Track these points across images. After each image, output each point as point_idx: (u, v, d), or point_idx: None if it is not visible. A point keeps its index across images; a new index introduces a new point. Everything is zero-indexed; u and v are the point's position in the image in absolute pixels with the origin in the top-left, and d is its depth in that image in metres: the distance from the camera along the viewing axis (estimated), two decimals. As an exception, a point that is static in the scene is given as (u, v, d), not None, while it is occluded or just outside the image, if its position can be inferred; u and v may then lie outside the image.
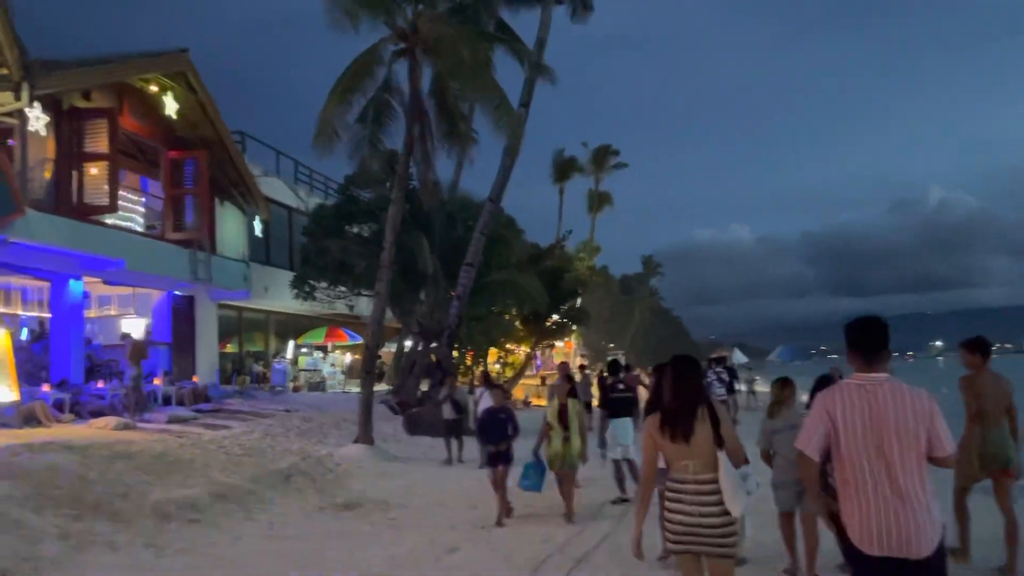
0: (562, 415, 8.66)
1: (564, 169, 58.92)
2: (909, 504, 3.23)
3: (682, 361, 4.29)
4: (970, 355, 6.36)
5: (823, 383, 7.22)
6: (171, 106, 18.19)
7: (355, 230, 21.00)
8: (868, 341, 3.45)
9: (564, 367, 11.08)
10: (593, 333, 74.62)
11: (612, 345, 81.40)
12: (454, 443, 14.10)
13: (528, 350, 36.83)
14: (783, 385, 6.38)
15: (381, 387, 24.15)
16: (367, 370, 15.39)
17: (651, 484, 4.23)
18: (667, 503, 4.10)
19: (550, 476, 8.79)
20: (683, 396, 4.11)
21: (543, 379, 30.13)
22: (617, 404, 10.04)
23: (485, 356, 34.34)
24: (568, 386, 9.00)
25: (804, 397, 7.39)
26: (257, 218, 22.22)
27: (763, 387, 42.03)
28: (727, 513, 3.93)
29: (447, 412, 14.40)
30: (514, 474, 8.99)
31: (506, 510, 8.92)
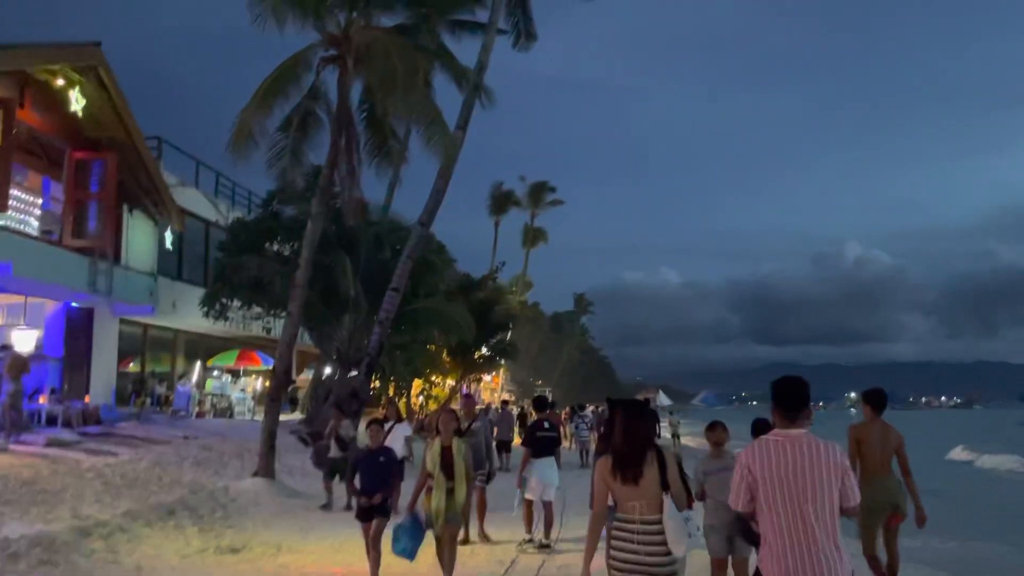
0: (446, 460, 6.86)
1: (501, 202, 58.71)
2: (824, 553, 3.43)
3: (634, 407, 4.47)
4: (865, 406, 6.90)
5: (761, 425, 6.73)
6: (78, 102, 16.83)
7: (275, 248, 19.82)
8: (792, 399, 3.68)
9: (468, 401, 9.91)
10: (521, 369, 74.02)
11: (540, 382, 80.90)
12: (338, 485, 12.54)
13: (454, 383, 35.79)
14: (715, 427, 6.39)
15: (295, 416, 22.84)
16: (272, 397, 14.27)
17: (601, 523, 4.31)
18: (614, 542, 4.22)
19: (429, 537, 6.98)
20: (634, 440, 4.28)
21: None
22: (542, 444, 9.57)
23: (409, 387, 33.19)
24: (455, 423, 7.24)
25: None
26: (169, 230, 20.83)
27: (686, 430, 42.03)
28: (670, 552, 4.12)
29: (333, 450, 12.95)
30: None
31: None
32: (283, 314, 21.21)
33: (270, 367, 26.47)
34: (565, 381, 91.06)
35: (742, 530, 5.50)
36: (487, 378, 50.80)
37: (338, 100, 13.85)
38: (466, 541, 9.09)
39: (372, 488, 7.16)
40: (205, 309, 19.61)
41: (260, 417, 22.85)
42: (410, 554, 6.80)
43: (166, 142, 22.46)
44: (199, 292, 21.32)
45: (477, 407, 35.72)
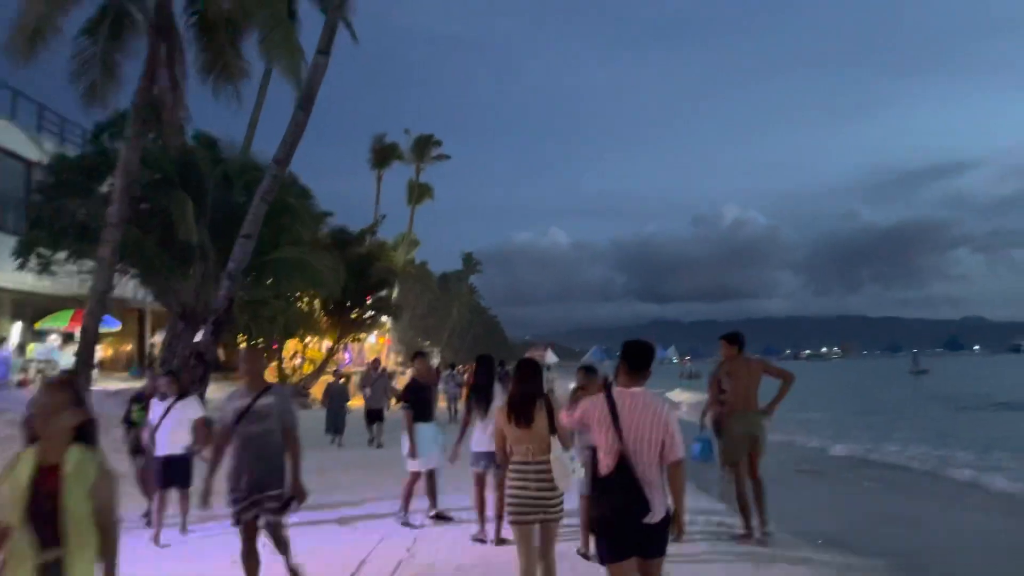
0: (39, 499, 2.84)
1: (384, 155, 55.89)
2: (649, 493, 3.91)
3: (526, 364, 5.07)
4: (729, 346, 7.36)
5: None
6: None
7: (105, 189, 17.02)
8: (638, 360, 4.16)
9: (252, 357, 5.43)
10: (409, 329, 72.14)
11: (428, 342, 79.33)
12: None
13: (332, 343, 33.45)
14: (589, 372, 6.80)
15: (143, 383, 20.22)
16: (84, 361, 11.89)
17: (506, 465, 4.88)
18: (510, 482, 4.76)
19: None
20: (527, 390, 4.87)
21: (347, 377, 26.86)
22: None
23: (279, 349, 30.73)
24: (71, 412, 2.98)
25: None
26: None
27: (563, 390, 41.52)
28: (557, 487, 4.71)
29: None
30: None
31: None
32: (126, 268, 18.65)
33: (114, 329, 23.61)
34: (455, 341, 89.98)
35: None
36: (372, 339, 48.62)
37: (157, -3, 11.42)
38: None
39: None
40: (20, 260, 16.65)
41: (102, 385, 20.21)
42: None
43: (-30, 66, 19.04)
44: (20, 243, 18.22)
45: (346, 371, 32.66)
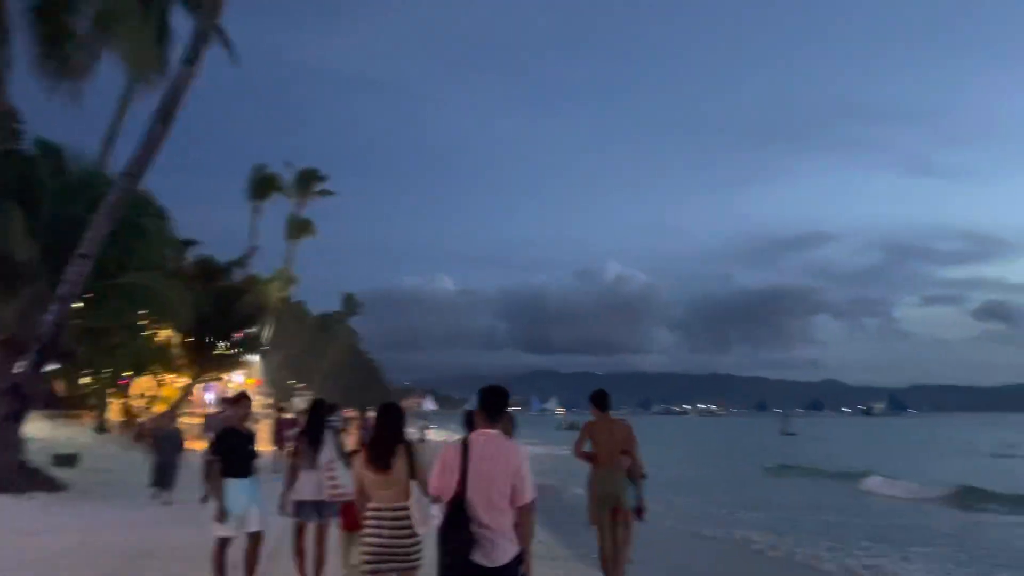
0: None
1: (263, 187, 53.57)
2: (494, 534, 3.93)
3: (388, 408, 4.98)
4: (592, 406, 7.56)
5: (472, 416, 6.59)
6: None
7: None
8: (495, 404, 4.27)
9: None
10: (281, 369, 68.94)
11: (302, 384, 76.06)
12: None
13: (189, 381, 30.97)
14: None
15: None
16: None
17: (364, 511, 4.74)
18: (366, 529, 4.68)
19: None
20: (386, 435, 4.81)
21: (207, 417, 24.75)
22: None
23: (124, 385, 28.21)
24: None
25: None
26: None
27: (437, 437, 40.47)
28: (416, 534, 4.65)
29: None
30: None
31: None
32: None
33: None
34: (329, 384, 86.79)
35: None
36: (238, 378, 45.86)
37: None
38: None
39: None
40: None
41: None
42: None
43: None
44: None
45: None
